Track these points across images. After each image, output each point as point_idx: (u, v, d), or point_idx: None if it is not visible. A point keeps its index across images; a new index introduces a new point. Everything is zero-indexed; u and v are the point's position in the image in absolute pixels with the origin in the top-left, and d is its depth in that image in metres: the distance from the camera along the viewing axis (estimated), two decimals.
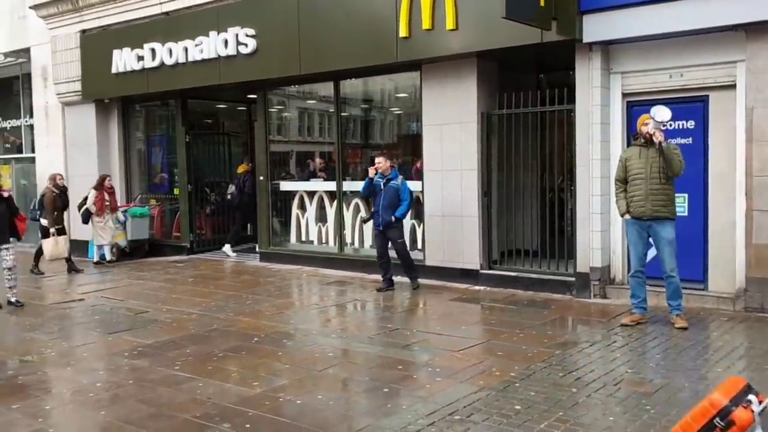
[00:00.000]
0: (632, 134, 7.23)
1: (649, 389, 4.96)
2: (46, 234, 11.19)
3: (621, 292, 7.93)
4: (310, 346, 6.51)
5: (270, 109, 11.93)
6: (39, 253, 11.47)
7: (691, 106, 7.76)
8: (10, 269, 8.80)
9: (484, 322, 7.55)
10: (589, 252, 8.14)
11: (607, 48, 8.06)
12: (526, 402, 4.75)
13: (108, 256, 12.31)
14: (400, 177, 8.99)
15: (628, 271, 8.22)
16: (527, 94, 8.70)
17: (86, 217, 12.02)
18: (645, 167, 6.69)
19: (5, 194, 8.85)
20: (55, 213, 11.18)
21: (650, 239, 6.88)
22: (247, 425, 4.53)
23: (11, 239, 8.92)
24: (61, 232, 11.31)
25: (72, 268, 11.53)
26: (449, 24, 8.57)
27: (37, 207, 11.47)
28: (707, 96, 7.67)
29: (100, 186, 12.10)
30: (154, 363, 6.05)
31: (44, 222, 11.21)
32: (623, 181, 6.90)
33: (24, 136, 15.69)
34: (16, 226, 9.05)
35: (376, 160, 9.03)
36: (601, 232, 8.08)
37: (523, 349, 6.10)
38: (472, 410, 4.63)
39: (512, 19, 7.27)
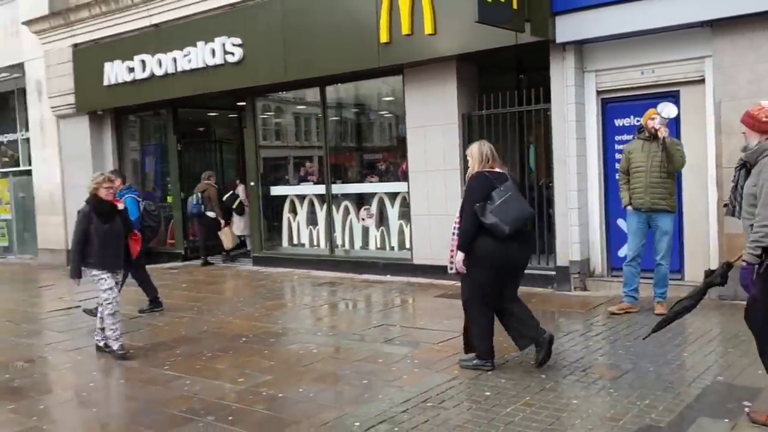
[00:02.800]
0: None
1: (616, 374, 5.18)
2: (217, 227, 12.28)
3: (600, 285, 8.15)
4: (296, 344, 6.72)
5: (259, 116, 12.18)
6: (208, 246, 12.51)
7: (664, 101, 7.97)
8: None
9: None
10: (568, 246, 8.36)
11: (581, 47, 8.29)
12: (496, 389, 4.97)
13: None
14: (128, 196, 8.10)
15: (608, 263, 8.46)
16: (506, 95, 8.93)
17: (242, 210, 12.65)
18: (646, 161, 6.86)
19: (120, 206, 6.72)
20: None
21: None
22: (230, 417, 4.75)
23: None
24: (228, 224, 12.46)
25: (230, 258, 12.69)
26: (428, 29, 8.81)
27: (201, 201, 12.25)
28: (678, 91, 7.89)
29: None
30: (144, 364, 6.27)
31: (211, 215, 12.22)
32: (626, 172, 7.08)
33: (21, 149, 15.96)
34: (129, 247, 6.85)
35: None
36: (579, 226, 8.30)
37: (500, 340, 6.30)
38: (444, 397, 4.85)
39: (485, 22, 7.50)
